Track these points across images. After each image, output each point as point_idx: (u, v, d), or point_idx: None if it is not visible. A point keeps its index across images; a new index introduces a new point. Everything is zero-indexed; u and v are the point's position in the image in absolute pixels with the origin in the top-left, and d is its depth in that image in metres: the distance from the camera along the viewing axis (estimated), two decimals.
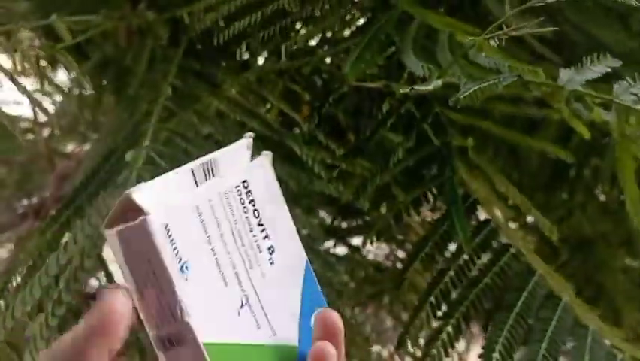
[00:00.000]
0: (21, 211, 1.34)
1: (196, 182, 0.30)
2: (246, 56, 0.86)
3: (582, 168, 0.94)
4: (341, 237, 0.92)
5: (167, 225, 0.28)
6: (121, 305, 0.26)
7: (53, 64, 0.94)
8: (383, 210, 0.61)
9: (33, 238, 0.51)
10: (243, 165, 0.32)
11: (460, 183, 0.54)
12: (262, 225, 0.32)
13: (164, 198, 0.28)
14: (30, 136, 1.28)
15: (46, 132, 1.30)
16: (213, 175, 0.31)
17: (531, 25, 0.75)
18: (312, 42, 0.75)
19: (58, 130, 1.28)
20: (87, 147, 1.32)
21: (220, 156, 0.31)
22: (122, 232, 0.28)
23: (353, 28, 0.74)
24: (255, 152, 0.33)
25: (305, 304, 0.33)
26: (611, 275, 0.94)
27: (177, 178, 0.29)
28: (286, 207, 0.34)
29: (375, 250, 1.38)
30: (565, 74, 0.39)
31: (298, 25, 0.72)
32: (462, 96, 0.39)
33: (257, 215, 0.32)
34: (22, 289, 0.40)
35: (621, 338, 0.50)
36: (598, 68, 0.41)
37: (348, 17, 0.70)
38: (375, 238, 0.56)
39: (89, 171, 0.53)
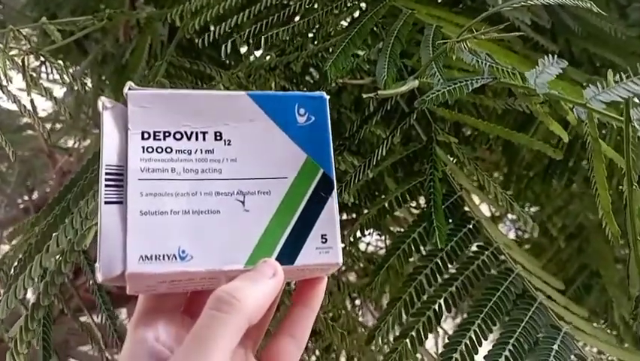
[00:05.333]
0: (23, 206, 1.36)
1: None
2: (242, 50, 0.86)
3: (580, 158, 0.93)
4: None
5: (142, 255, 0.29)
6: None
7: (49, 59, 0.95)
8: (373, 203, 0.61)
9: (23, 234, 0.52)
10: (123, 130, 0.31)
11: (444, 178, 0.54)
12: (190, 135, 0.32)
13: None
14: (30, 131, 1.29)
15: (47, 127, 1.31)
16: (120, 179, 0.30)
17: (525, 13, 0.75)
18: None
19: (59, 125, 1.29)
20: (88, 142, 1.33)
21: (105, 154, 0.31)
22: None
23: (348, 21, 0.73)
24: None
25: (279, 120, 0.33)
26: (605, 264, 0.94)
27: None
28: (174, 91, 0.33)
29: (377, 243, 1.39)
30: (531, 76, 0.39)
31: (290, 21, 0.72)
32: (429, 98, 0.39)
33: (180, 136, 0.32)
34: (7, 291, 0.41)
35: (602, 339, 0.50)
36: (552, 70, 0.41)
37: (344, 9, 0.70)
38: (359, 233, 0.56)
39: (80, 170, 0.53)
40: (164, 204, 0.30)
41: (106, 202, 0.30)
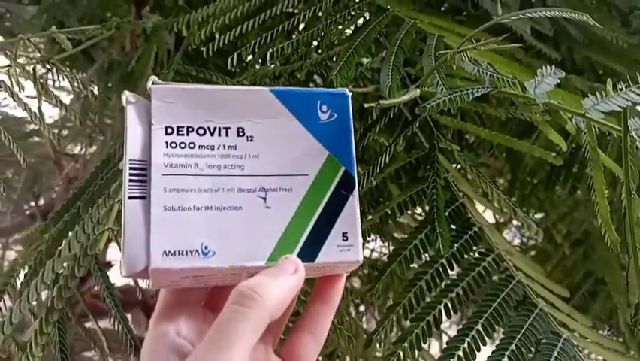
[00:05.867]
0: (29, 213, 1.37)
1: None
2: (248, 59, 0.87)
3: (583, 165, 0.93)
4: None
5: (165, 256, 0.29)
6: None
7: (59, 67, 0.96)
8: (377, 210, 0.61)
9: (33, 240, 0.53)
10: (144, 124, 0.31)
11: (447, 185, 0.55)
12: (213, 130, 0.32)
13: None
14: (37, 138, 1.31)
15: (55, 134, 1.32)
16: (144, 173, 0.30)
17: (527, 23, 0.76)
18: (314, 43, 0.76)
19: (66, 132, 1.30)
20: (94, 149, 1.34)
21: (129, 148, 0.30)
22: None
23: (351, 30, 0.74)
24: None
25: (301, 117, 0.33)
26: (611, 271, 0.94)
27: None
28: (197, 86, 0.33)
29: (381, 249, 1.40)
30: (530, 86, 0.40)
31: (295, 30, 0.73)
32: (429, 106, 0.40)
33: (202, 132, 0.32)
34: (19, 296, 0.41)
35: (605, 347, 0.50)
36: (550, 80, 0.41)
37: (348, 18, 0.71)
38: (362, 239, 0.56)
39: (89, 177, 0.54)
40: (187, 200, 0.30)
41: (130, 197, 0.30)
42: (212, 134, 0.32)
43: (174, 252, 0.29)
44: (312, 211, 0.32)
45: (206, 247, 0.30)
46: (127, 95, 0.31)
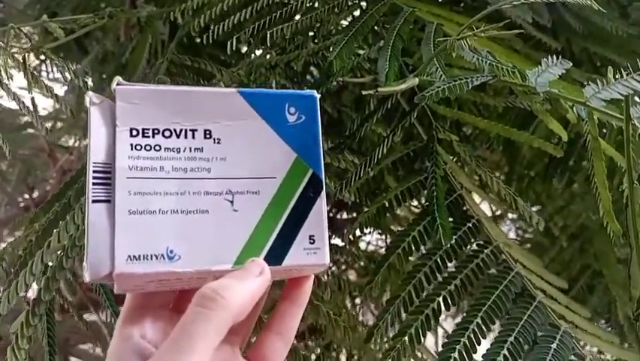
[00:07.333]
0: (23, 205, 1.36)
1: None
2: (243, 50, 0.86)
3: (580, 158, 0.93)
4: (338, 229, 0.93)
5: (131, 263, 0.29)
6: None
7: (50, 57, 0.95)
8: (374, 202, 0.61)
9: (22, 231, 0.52)
10: (107, 126, 0.30)
11: (445, 177, 0.54)
12: (180, 132, 0.31)
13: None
14: (31, 130, 1.29)
15: (47, 126, 1.31)
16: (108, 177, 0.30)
17: (527, 12, 0.75)
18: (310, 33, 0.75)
19: (60, 124, 1.29)
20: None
21: (92, 151, 0.30)
22: None
23: (348, 20, 0.73)
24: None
25: (269, 119, 0.33)
26: (608, 264, 0.93)
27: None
28: (163, 87, 0.32)
29: (377, 242, 1.39)
30: (532, 75, 0.39)
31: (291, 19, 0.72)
32: (429, 94, 0.39)
33: (169, 134, 0.31)
34: (8, 287, 0.41)
35: (603, 338, 0.50)
36: (555, 70, 0.40)
37: (345, 7, 0.70)
38: (359, 231, 0.56)
39: (80, 167, 0.53)
40: (152, 204, 0.30)
41: (93, 201, 0.29)
42: (178, 136, 0.31)
43: (139, 256, 0.29)
44: (280, 214, 0.32)
45: (171, 251, 0.30)
46: (90, 96, 0.30)
